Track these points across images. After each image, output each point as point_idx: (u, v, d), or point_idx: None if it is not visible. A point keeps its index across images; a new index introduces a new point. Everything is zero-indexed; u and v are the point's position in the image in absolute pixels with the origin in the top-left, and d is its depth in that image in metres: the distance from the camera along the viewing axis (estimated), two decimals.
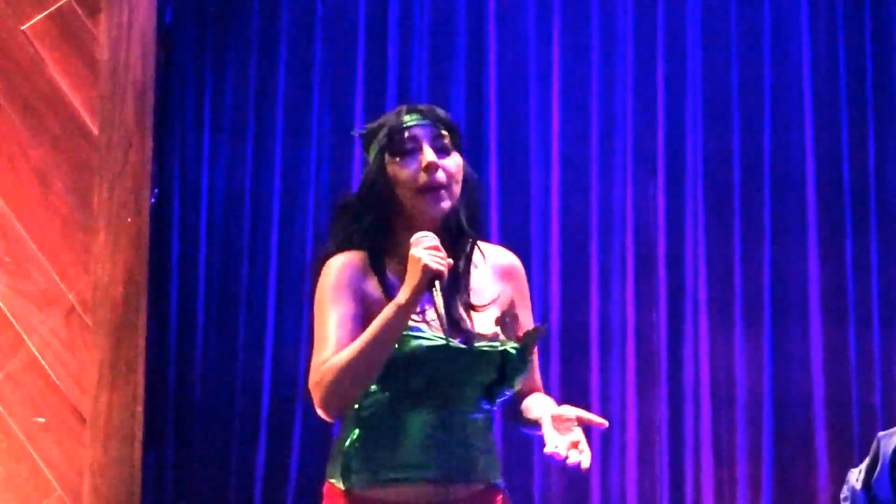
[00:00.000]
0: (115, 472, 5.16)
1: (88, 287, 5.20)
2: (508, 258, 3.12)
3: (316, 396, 2.86)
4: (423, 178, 2.93)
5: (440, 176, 2.94)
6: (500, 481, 3.03)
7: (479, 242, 3.05)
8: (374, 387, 2.90)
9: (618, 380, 5.50)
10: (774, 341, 5.51)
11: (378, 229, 2.97)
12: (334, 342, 2.86)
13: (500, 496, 3.02)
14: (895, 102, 5.61)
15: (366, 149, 3.04)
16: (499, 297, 3.03)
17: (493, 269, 3.07)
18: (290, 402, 5.49)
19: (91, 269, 5.20)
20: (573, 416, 2.85)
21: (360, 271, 2.94)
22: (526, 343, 2.97)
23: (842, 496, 3.54)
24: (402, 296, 2.81)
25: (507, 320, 3.01)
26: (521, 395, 3.07)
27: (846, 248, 5.54)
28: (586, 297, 5.55)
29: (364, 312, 2.90)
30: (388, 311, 2.82)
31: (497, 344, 2.95)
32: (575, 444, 2.79)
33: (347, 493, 2.92)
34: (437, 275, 2.80)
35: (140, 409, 5.21)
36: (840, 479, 5.40)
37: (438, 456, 2.89)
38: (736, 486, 5.46)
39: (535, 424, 2.96)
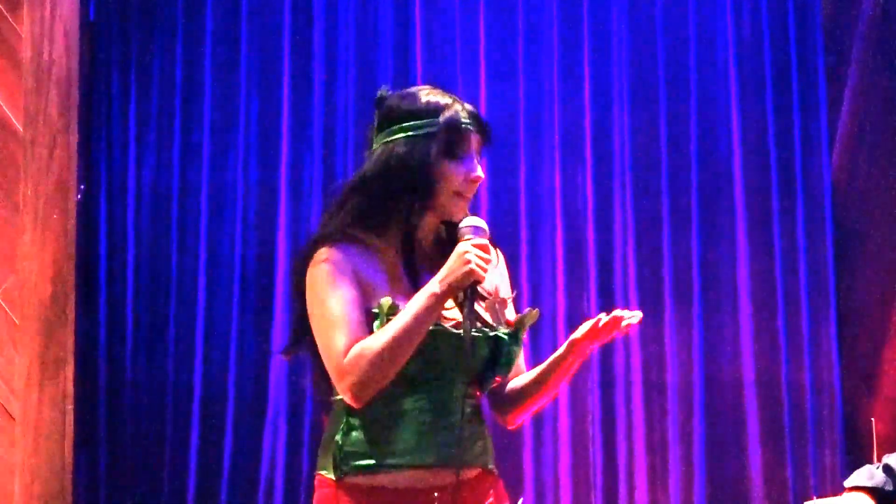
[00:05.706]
0: (46, 470, 5.12)
1: (15, 285, 5.15)
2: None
3: (346, 381, 2.85)
4: (465, 186, 2.97)
5: (476, 188, 3.02)
6: (493, 467, 3.04)
7: None
8: None
9: None
10: (705, 326, 5.55)
11: (410, 211, 2.96)
12: (350, 325, 2.87)
13: (494, 482, 3.03)
14: (820, 88, 5.67)
15: (386, 122, 3.02)
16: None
17: None
18: (222, 397, 5.47)
19: (18, 266, 5.16)
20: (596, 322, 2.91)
21: (358, 256, 2.94)
22: (518, 328, 3.00)
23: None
24: (439, 285, 2.85)
25: (496, 306, 3.02)
26: (506, 385, 3.09)
27: (774, 232, 5.59)
28: (516, 285, 5.48)
29: (363, 298, 2.90)
30: (423, 298, 2.84)
31: (488, 329, 2.97)
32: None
33: (340, 482, 2.92)
34: (477, 280, 2.85)
35: (70, 406, 5.17)
36: (772, 460, 5.46)
37: (432, 442, 2.90)
38: (668, 470, 5.49)
39: (535, 384, 3.02)
